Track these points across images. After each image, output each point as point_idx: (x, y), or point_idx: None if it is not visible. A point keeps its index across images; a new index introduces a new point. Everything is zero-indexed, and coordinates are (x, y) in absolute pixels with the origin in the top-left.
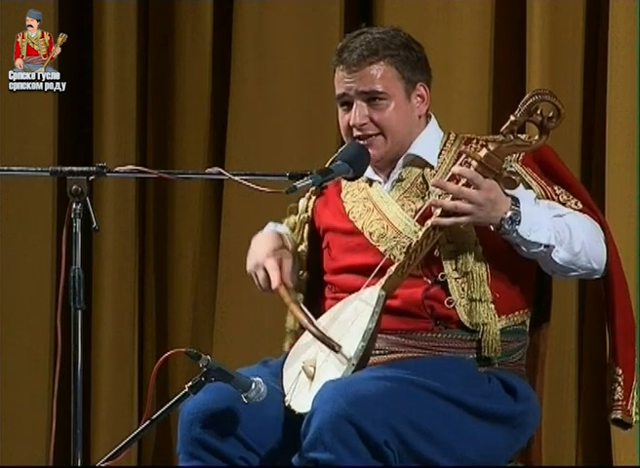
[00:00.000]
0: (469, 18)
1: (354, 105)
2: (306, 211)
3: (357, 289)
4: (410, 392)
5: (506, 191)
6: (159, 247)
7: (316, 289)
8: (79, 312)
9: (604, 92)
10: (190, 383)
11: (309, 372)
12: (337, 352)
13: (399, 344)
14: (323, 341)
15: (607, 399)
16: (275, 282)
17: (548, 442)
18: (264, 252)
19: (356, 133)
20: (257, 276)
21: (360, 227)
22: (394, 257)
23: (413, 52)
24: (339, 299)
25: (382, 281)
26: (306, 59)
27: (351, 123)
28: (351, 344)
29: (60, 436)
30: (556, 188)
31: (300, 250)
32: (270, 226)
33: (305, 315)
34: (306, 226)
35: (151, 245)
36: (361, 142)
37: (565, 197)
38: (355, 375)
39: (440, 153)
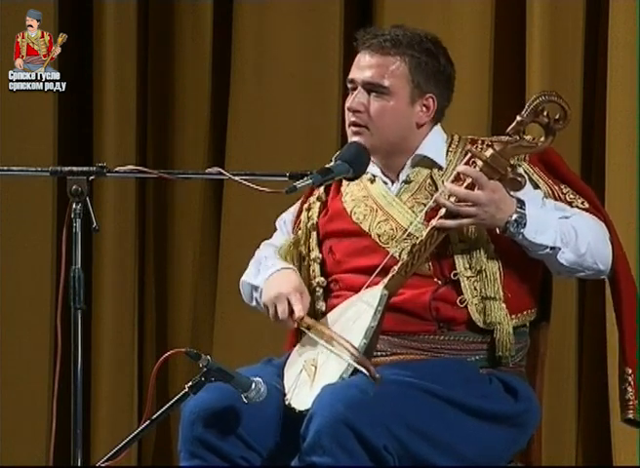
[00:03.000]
0: (469, 18)
1: (356, 91)
2: (309, 218)
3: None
4: (408, 395)
5: (512, 193)
6: (159, 247)
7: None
8: (79, 312)
9: (604, 91)
10: (190, 383)
11: (310, 371)
12: (377, 383)
13: (401, 346)
14: (365, 368)
15: (619, 399)
16: (300, 312)
17: (548, 442)
18: (291, 285)
19: (350, 117)
20: (275, 307)
21: (367, 229)
22: (404, 258)
23: (435, 62)
24: (342, 297)
25: (386, 280)
26: (306, 59)
27: (347, 105)
28: (353, 342)
29: (60, 436)
30: (563, 187)
31: (313, 256)
32: (263, 258)
33: (343, 339)
34: (313, 234)
35: (151, 245)
36: (355, 138)
37: (571, 196)
38: (354, 379)
39: (446, 154)
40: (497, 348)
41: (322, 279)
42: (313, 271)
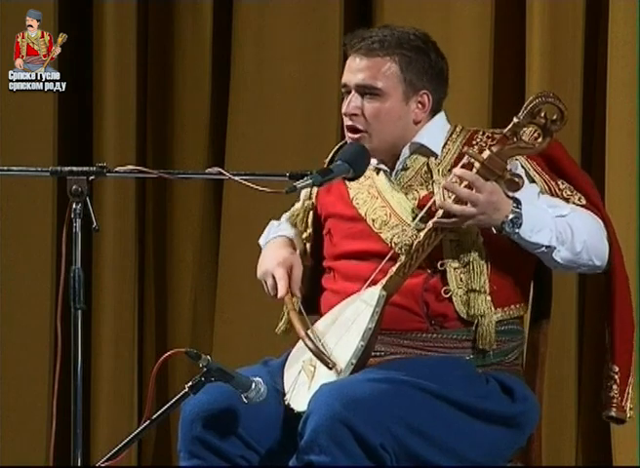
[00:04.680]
0: (469, 18)
1: (350, 95)
2: (310, 198)
3: (357, 274)
4: (406, 393)
5: (508, 193)
6: (159, 247)
7: (318, 275)
8: (79, 312)
9: (604, 91)
10: (190, 383)
11: (309, 372)
12: (330, 369)
13: (396, 345)
14: (317, 356)
15: (602, 395)
16: (282, 291)
17: (548, 442)
18: (275, 259)
19: (347, 121)
20: (266, 283)
21: (363, 214)
22: (396, 245)
23: (426, 58)
24: (338, 287)
25: (384, 281)
26: (306, 60)
27: (343, 111)
28: (351, 343)
29: (60, 436)
30: (560, 183)
31: (304, 236)
32: (274, 226)
33: (305, 327)
34: (310, 213)
35: (151, 245)
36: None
37: (569, 192)
38: (351, 378)
39: (445, 144)
40: (477, 340)
41: (310, 260)
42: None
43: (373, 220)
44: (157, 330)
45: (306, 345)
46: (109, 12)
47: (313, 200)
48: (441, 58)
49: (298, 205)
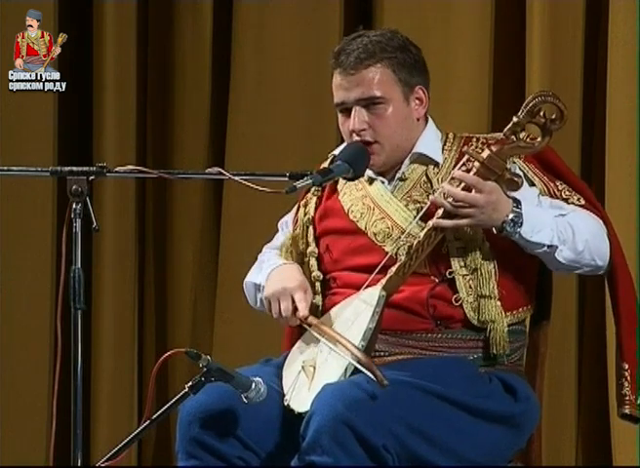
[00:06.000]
0: (469, 18)
1: (353, 111)
2: (306, 214)
3: (361, 285)
4: (408, 394)
5: (508, 193)
6: (159, 247)
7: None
8: (79, 312)
9: (604, 92)
10: (190, 383)
11: (309, 372)
12: (384, 387)
13: (399, 345)
14: (371, 372)
15: (616, 394)
16: (303, 312)
17: (548, 442)
18: (294, 281)
19: (356, 138)
20: (278, 302)
21: (363, 227)
22: (400, 257)
23: (410, 54)
24: (339, 294)
25: (383, 281)
26: (306, 59)
27: (350, 128)
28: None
29: (60, 436)
30: (559, 184)
31: (310, 251)
32: (264, 261)
33: (348, 341)
34: (310, 228)
35: (151, 245)
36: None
37: (567, 193)
38: (353, 379)
39: (442, 152)
40: (491, 346)
41: (319, 273)
42: (311, 266)
43: (374, 234)
44: (157, 330)
45: (358, 359)
46: (109, 12)
47: (312, 214)
48: (418, 49)
49: (282, 238)
